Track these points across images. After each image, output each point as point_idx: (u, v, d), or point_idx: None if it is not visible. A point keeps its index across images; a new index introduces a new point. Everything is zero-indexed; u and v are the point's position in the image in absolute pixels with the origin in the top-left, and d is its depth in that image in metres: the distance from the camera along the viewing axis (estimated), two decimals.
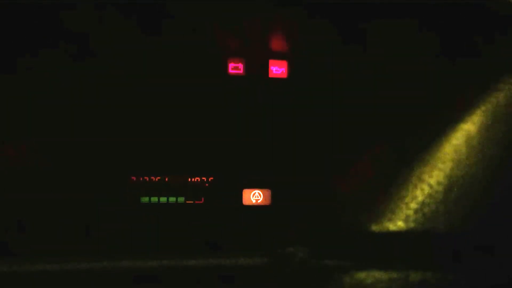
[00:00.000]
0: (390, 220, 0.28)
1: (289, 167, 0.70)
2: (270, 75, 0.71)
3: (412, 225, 0.28)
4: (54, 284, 0.35)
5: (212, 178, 0.70)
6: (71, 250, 0.59)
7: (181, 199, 0.69)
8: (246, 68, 0.71)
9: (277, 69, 0.71)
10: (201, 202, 0.69)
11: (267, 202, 0.70)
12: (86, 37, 0.62)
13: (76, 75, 0.66)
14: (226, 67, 0.70)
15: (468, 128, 0.30)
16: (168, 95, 0.69)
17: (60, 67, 0.65)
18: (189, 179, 0.69)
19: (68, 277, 0.36)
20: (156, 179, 0.68)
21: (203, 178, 0.69)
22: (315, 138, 0.68)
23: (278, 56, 0.71)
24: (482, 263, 0.29)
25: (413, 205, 0.28)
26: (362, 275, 0.27)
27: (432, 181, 0.29)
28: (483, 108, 0.30)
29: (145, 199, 0.68)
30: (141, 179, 0.68)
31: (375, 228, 0.28)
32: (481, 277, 0.28)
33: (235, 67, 0.70)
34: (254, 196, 0.70)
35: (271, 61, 0.71)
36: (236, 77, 0.70)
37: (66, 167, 0.65)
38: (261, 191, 0.70)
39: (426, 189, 0.29)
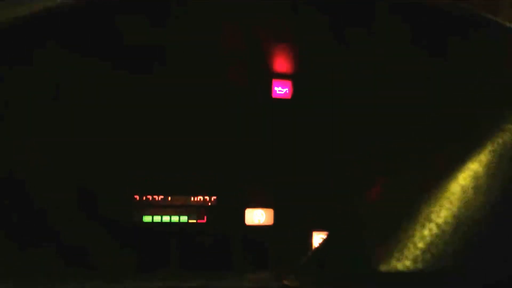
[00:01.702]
0: (398, 260, 0.29)
1: (292, 188, 0.70)
2: (274, 96, 0.71)
3: (420, 265, 0.28)
4: None
5: (215, 197, 0.70)
6: (73, 269, 0.59)
7: (183, 219, 0.69)
8: (248, 87, 0.71)
9: (281, 89, 0.71)
10: (203, 221, 0.69)
11: (270, 222, 0.70)
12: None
13: (87, 90, 0.65)
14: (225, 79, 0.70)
15: (475, 168, 0.30)
16: (171, 115, 0.69)
17: (66, 85, 0.65)
18: (192, 199, 0.69)
19: None
20: (159, 198, 0.69)
21: (205, 197, 0.70)
22: (321, 165, 0.69)
23: (282, 76, 0.72)
24: None
25: (421, 245, 0.29)
26: None
27: (440, 221, 0.29)
28: (490, 148, 0.31)
29: (148, 218, 0.68)
30: (144, 198, 0.68)
31: (383, 267, 0.29)
32: None
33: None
34: (257, 216, 0.70)
35: (274, 81, 0.72)
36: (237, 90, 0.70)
37: (69, 185, 0.65)
38: (264, 211, 0.70)
39: (434, 229, 0.29)
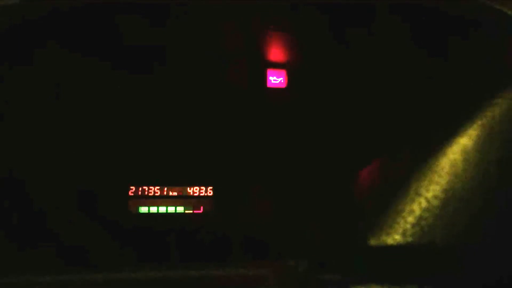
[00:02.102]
0: (387, 234, 0.29)
1: (289, 179, 0.70)
2: (269, 85, 0.70)
3: (409, 239, 0.28)
4: None
5: (211, 188, 0.69)
6: (70, 261, 0.59)
7: (180, 209, 0.68)
8: (243, 77, 0.71)
9: (276, 79, 0.71)
10: (200, 212, 0.69)
11: (267, 213, 0.70)
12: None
13: (86, 86, 0.65)
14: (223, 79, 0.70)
15: (464, 143, 0.30)
16: (167, 106, 0.69)
17: (64, 77, 0.65)
18: (188, 189, 0.69)
19: None
20: (155, 189, 0.68)
21: (201, 188, 0.69)
22: (315, 152, 0.68)
23: (277, 65, 0.71)
24: (480, 277, 0.29)
25: (411, 219, 0.29)
26: None
27: (429, 195, 0.29)
28: (479, 122, 0.31)
29: (144, 209, 0.68)
30: (140, 189, 0.68)
31: (373, 242, 0.29)
32: None
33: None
34: (254, 207, 0.70)
35: (269, 71, 0.71)
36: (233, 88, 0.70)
37: (65, 177, 0.65)
38: (261, 201, 0.70)
39: (423, 203, 0.29)
